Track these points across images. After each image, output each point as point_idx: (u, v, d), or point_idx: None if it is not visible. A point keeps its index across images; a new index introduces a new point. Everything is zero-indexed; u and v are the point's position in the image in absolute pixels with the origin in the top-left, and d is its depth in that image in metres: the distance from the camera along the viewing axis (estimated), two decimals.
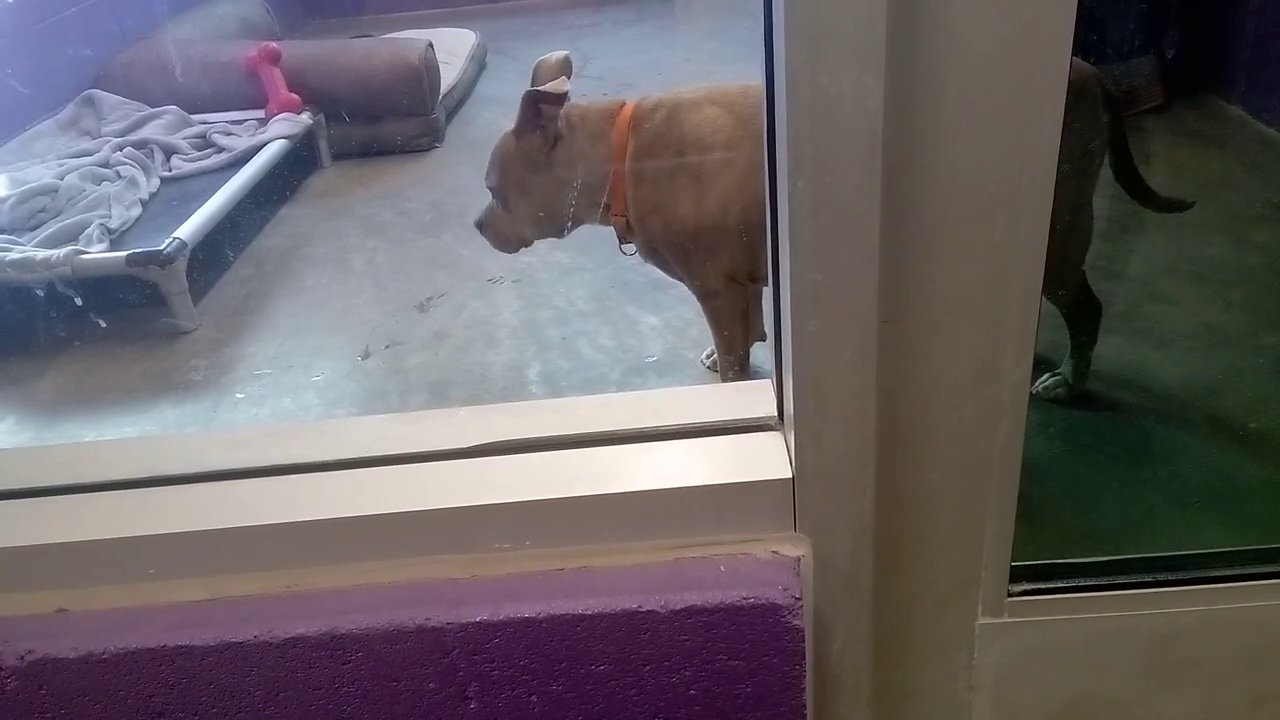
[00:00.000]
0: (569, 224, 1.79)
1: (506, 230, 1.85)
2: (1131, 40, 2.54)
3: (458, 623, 0.68)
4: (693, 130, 1.66)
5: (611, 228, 1.78)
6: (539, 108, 1.67)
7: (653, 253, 1.78)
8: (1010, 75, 0.56)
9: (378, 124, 3.36)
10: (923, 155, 0.58)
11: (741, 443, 0.72)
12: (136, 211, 2.66)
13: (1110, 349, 1.79)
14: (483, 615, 0.68)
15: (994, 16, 0.55)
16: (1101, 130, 1.56)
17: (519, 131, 1.71)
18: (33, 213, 2.58)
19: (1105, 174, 1.63)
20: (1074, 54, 0.57)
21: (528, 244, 1.88)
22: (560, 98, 1.67)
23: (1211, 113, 2.69)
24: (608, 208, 1.75)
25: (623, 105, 1.72)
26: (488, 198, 1.85)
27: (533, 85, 1.70)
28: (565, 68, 1.75)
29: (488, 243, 1.91)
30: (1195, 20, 2.71)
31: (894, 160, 0.58)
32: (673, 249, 1.74)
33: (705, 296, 1.79)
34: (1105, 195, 1.67)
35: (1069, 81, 0.57)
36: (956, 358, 0.65)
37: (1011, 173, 0.59)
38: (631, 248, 1.81)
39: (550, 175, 1.74)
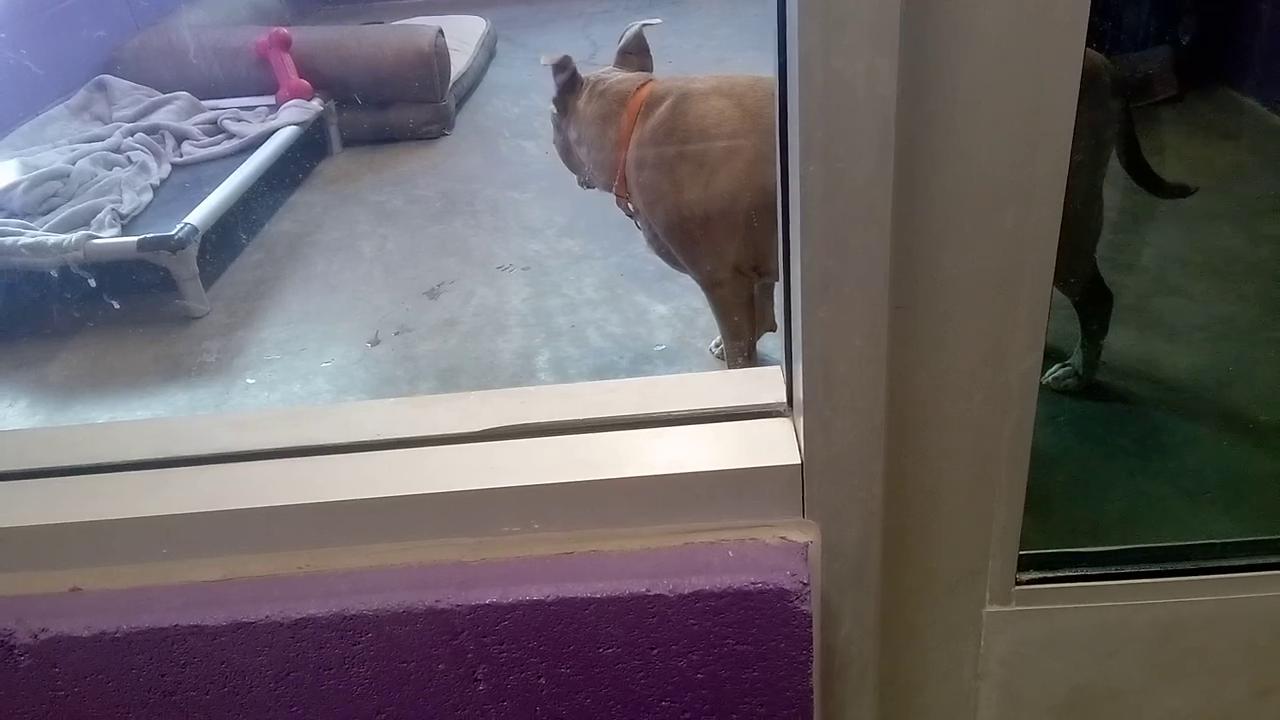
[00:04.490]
0: (602, 185, 1.86)
1: (579, 178, 1.97)
2: (1146, 30, 2.52)
3: (467, 605, 0.68)
4: (696, 121, 1.66)
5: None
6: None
7: (657, 243, 1.79)
8: (1024, 61, 0.56)
9: (388, 110, 3.37)
10: (936, 141, 0.58)
11: (751, 429, 0.73)
12: (148, 197, 2.67)
13: (1121, 340, 1.79)
14: (492, 598, 0.68)
15: (1008, 3, 0.54)
16: (1110, 118, 1.56)
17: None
18: (45, 197, 2.59)
19: (1114, 165, 1.62)
20: (1088, 43, 0.57)
21: (593, 188, 1.96)
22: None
23: (1225, 104, 2.67)
24: (612, 183, 1.77)
25: (640, 86, 1.72)
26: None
27: (619, 43, 1.84)
28: (640, 42, 1.85)
29: None
30: (1210, 11, 2.69)
31: (906, 146, 0.58)
32: (675, 239, 1.74)
33: (709, 286, 1.79)
34: (1117, 187, 1.67)
35: None
36: (967, 345, 0.65)
37: (1024, 159, 0.59)
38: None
39: (565, 134, 1.85)
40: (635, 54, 1.83)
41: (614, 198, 1.82)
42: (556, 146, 1.93)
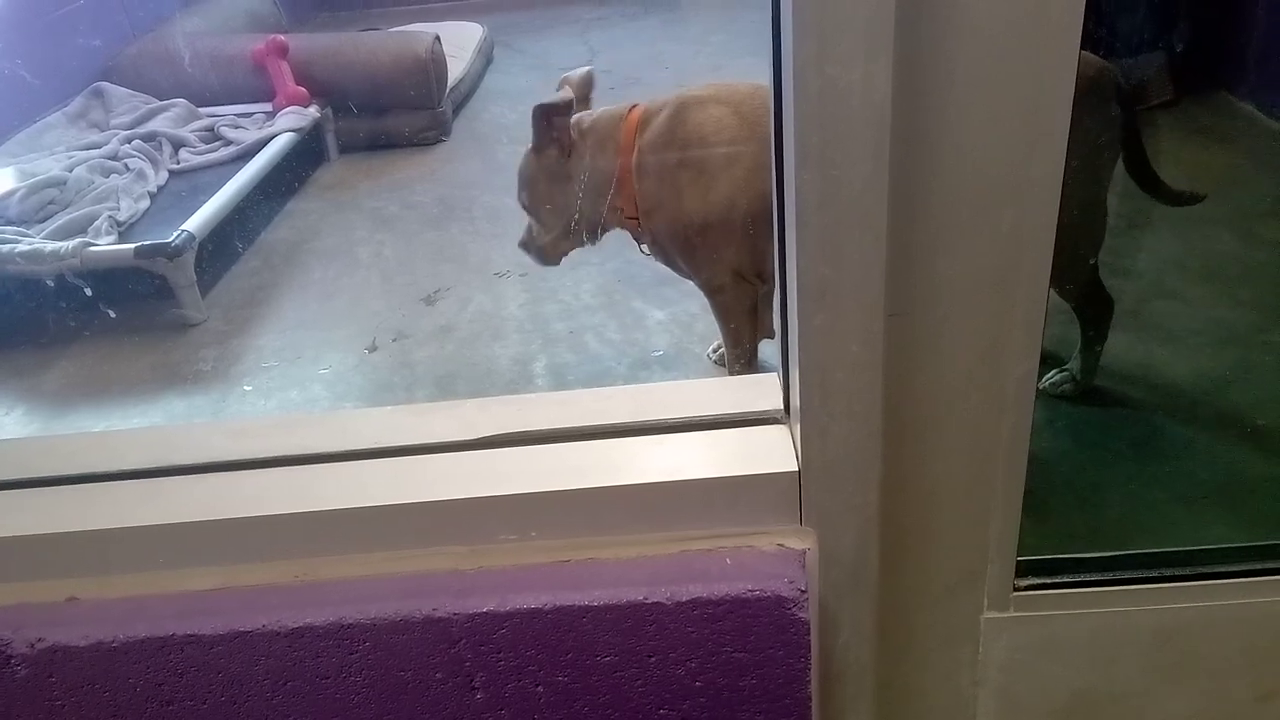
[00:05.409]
0: (600, 229, 1.82)
1: (547, 246, 1.89)
2: (1141, 35, 2.53)
3: (464, 613, 0.68)
4: (695, 129, 1.66)
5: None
6: (550, 120, 1.70)
7: (659, 249, 1.78)
8: (1019, 65, 0.56)
9: (384, 117, 3.37)
10: (931, 147, 0.58)
11: (748, 436, 0.73)
12: (145, 204, 2.67)
13: (1118, 345, 1.79)
14: (489, 606, 0.68)
15: (1003, 5, 0.54)
16: (1114, 124, 1.55)
17: (537, 147, 1.74)
18: (42, 204, 2.59)
19: (1116, 170, 1.62)
20: (1083, 49, 0.57)
21: (565, 254, 1.91)
22: (566, 106, 1.71)
23: (1221, 108, 2.68)
24: (622, 210, 1.75)
25: (632, 109, 1.72)
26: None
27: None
28: (588, 83, 1.78)
29: (533, 261, 1.95)
30: (1205, 15, 2.70)
31: (902, 151, 0.58)
32: (677, 244, 1.74)
33: (711, 292, 1.80)
34: (1114, 191, 1.67)
35: (1081, 76, 0.57)
36: (963, 350, 0.65)
37: (1020, 164, 0.59)
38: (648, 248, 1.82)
39: (571, 184, 1.77)
40: (581, 100, 1.81)
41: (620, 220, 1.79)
42: (533, 214, 1.82)
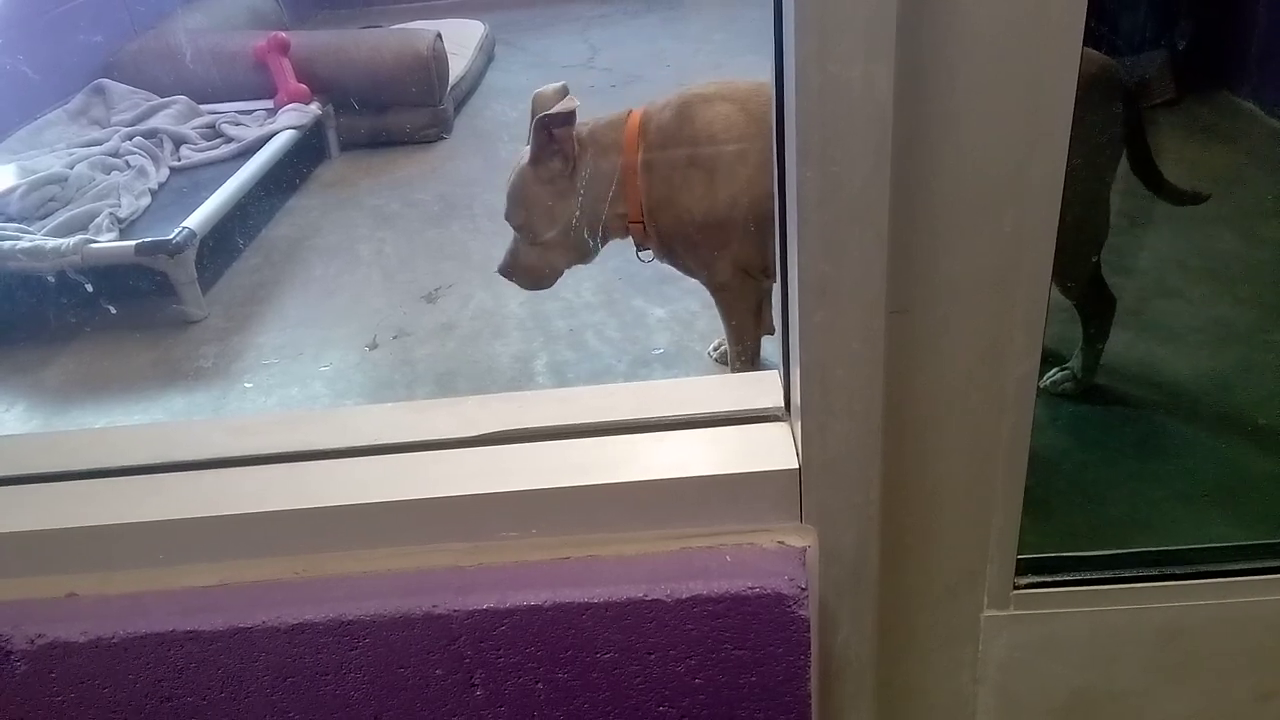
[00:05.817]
0: (600, 240, 1.77)
1: (537, 265, 1.81)
2: (1142, 33, 2.52)
3: (464, 610, 0.68)
4: (705, 126, 1.65)
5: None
6: (551, 132, 1.66)
7: (666, 250, 1.78)
8: (1021, 64, 0.56)
9: (386, 114, 3.37)
10: (932, 145, 0.58)
11: (748, 433, 0.73)
12: (146, 201, 2.67)
13: (1119, 343, 1.79)
14: (489, 603, 0.68)
15: (1004, 5, 0.54)
16: (1118, 122, 1.55)
17: (535, 160, 1.69)
18: (43, 201, 2.59)
19: (1120, 167, 1.62)
20: (1084, 47, 0.57)
21: (559, 274, 1.84)
22: (570, 116, 1.66)
23: (1223, 107, 2.67)
24: (625, 215, 1.73)
25: (630, 113, 1.71)
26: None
27: (533, 117, 1.68)
28: (563, 96, 1.75)
29: (518, 286, 1.87)
30: (1207, 14, 2.70)
31: (904, 149, 0.58)
32: (683, 241, 1.74)
33: (716, 288, 1.79)
34: (1116, 189, 1.67)
35: (1085, 74, 0.57)
36: (964, 349, 0.65)
37: (1022, 162, 0.59)
38: (648, 254, 1.80)
39: (571, 194, 1.71)
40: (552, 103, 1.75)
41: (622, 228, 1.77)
42: (527, 231, 1.75)
